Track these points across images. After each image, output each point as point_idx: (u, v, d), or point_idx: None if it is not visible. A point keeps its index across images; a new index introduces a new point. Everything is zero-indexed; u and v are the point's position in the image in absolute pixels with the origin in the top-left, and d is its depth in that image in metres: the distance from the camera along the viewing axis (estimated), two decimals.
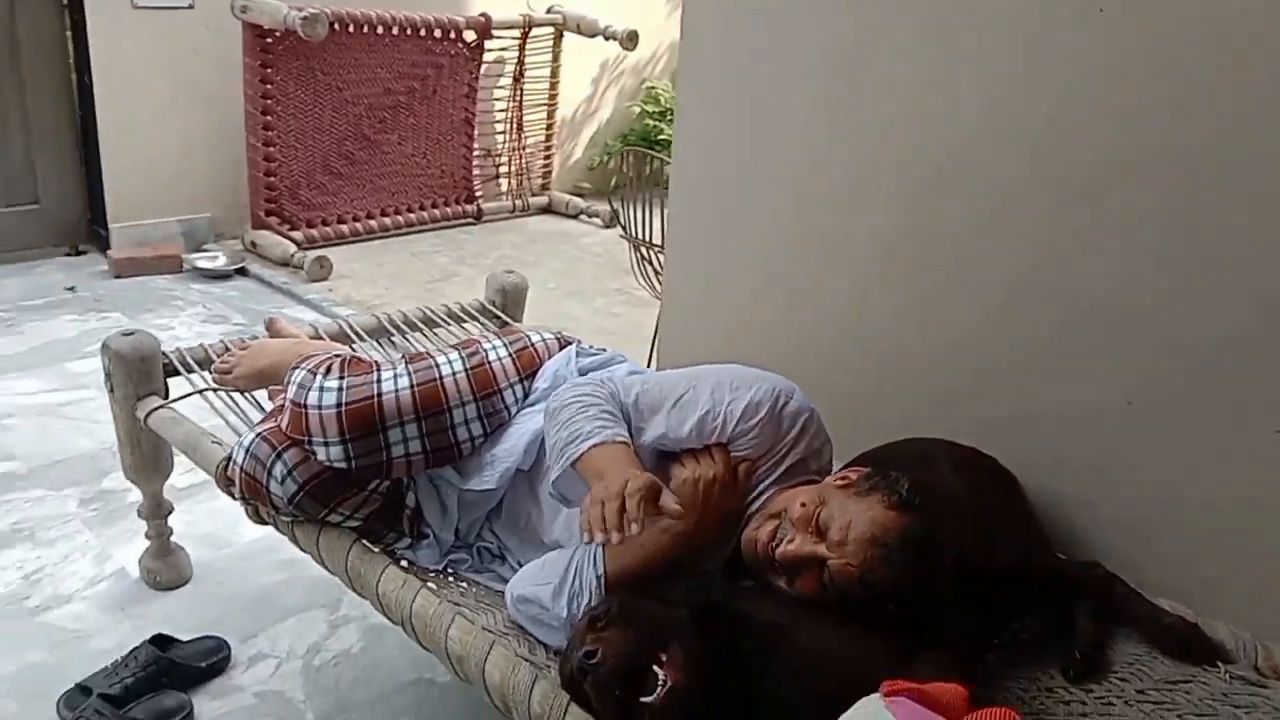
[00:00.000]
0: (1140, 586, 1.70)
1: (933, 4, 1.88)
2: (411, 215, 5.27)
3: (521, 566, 1.72)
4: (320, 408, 1.65)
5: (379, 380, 1.69)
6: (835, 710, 1.27)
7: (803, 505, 1.49)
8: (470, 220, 5.58)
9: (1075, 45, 1.73)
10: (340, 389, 1.66)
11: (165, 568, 2.34)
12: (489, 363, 1.80)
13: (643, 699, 1.28)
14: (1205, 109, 1.63)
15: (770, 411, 1.58)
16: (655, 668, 1.31)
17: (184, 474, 2.41)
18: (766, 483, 1.61)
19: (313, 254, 4.51)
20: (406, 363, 1.76)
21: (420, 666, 2.15)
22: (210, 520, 2.58)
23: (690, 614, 1.40)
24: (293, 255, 4.56)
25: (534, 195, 5.95)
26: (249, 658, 2.15)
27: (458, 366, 1.76)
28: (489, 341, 1.87)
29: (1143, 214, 1.72)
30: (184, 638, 2.13)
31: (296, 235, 4.72)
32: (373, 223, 5.10)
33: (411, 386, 1.69)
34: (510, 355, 1.84)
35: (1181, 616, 1.66)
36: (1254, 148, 1.59)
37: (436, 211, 5.39)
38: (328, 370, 1.71)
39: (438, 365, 1.75)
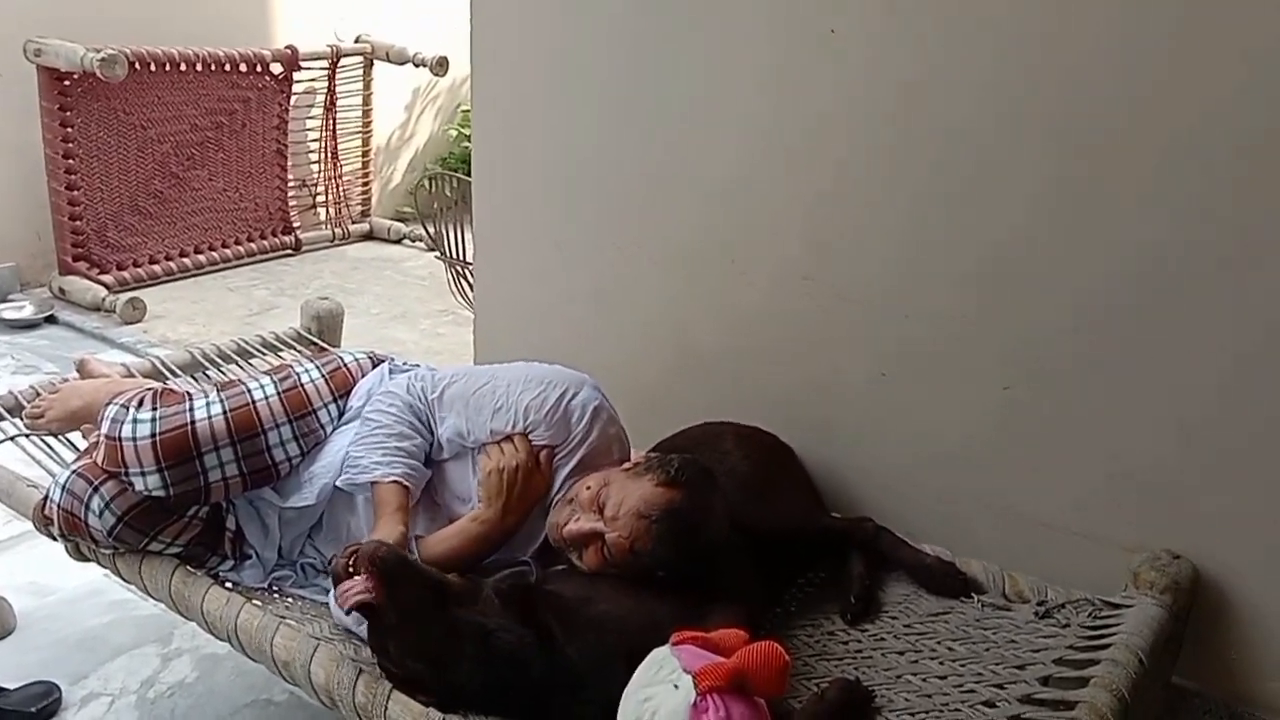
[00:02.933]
0: (906, 535, 1.94)
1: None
2: (227, 250, 5.20)
3: None
4: (135, 439, 1.70)
5: (191, 409, 1.76)
6: (636, 661, 1.43)
7: (588, 488, 1.67)
8: (289, 251, 5.54)
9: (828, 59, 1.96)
10: (154, 419, 1.72)
11: None
12: (301, 385, 1.89)
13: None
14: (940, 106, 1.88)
15: (558, 403, 1.75)
16: None
17: (2, 525, 2.39)
18: (565, 471, 1.77)
19: (125, 296, 4.42)
20: (218, 390, 1.83)
21: (256, 689, 2.20)
22: (32, 569, 2.55)
23: (492, 600, 1.52)
24: (104, 299, 4.45)
25: (354, 223, 5.94)
26: (81, 698, 2.16)
27: (270, 390, 1.85)
28: (300, 365, 1.95)
29: (878, 212, 1.96)
30: (11, 686, 2.12)
31: (107, 279, 4.60)
32: (186, 260, 5.01)
33: (225, 413, 1.77)
34: (323, 376, 1.93)
35: (939, 557, 1.89)
36: (969, 149, 1.85)
37: (253, 245, 5.34)
38: (140, 403, 1.76)
39: (249, 390, 1.83)
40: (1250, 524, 1.74)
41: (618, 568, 1.61)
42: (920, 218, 1.93)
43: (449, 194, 3.30)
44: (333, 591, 1.70)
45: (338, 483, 1.72)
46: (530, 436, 1.75)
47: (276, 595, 1.82)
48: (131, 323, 4.37)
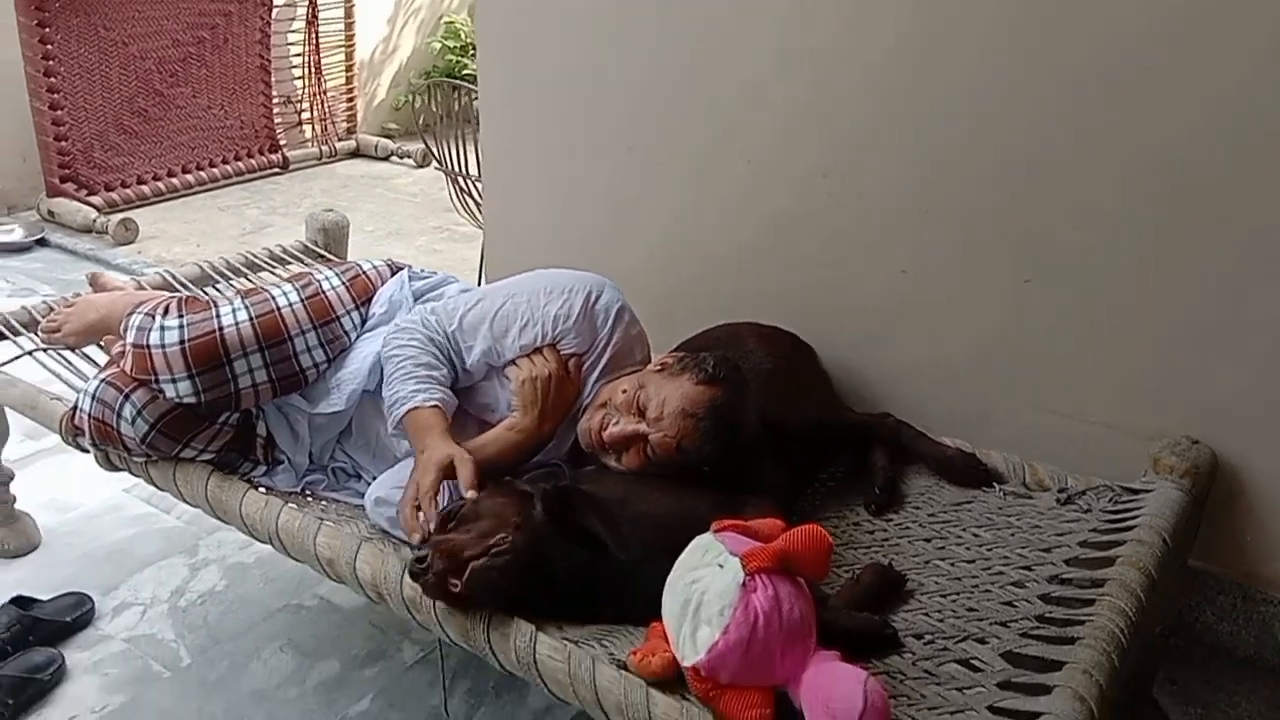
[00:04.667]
0: (926, 429, 1.96)
1: None
2: (215, 170, 5.13)
3: (376, 480, 1.84)
4: (164, 346, 1.70)
5: (218, 315, 1.75)
6: (677, 555, 1.45)
7: (624, 391, 1.67)
8: (277, 170, 5.47)
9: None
10: (181, 326, 1.72)
11: (12, 535, 2.33)
12: (323, 292, 1.88)
13: (473, 563, 1.40)
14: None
15: (584, 309, 1.75)
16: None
17: (16, 444, 2.39)
18: (594, 375, 1.78)
19: (116, 217, 4.37)
20: (242, 297, 1.82)
21: (285, 594, 2.23)
22: (52, 486, 2.56)
23: (538, 498, 1.54)
24: (95, 220, 4.40)
25: (340, 140, 5.87)
26: (113, 608, 2.18)
27: (293, 298, 1.84)
28: (321, 273, 1.95)
29: (898, 110, 1.95)
30: (44, 597, 2.15)
31: (96, 200, 4.54)
32: (175, 180, 4.94)
33: (251, 319, 1.76)
34: (344, 284, 1.92)
35: (960, 449, 1.92)
36: (995, 53, 1.83)
37: (240, 164, 5.27)
38: (165, 310, 1.76)
39: (273, 298, 1.82)
40: (1266, 409, 1.78)
41: (661, 467, 1.63)
42: (938, 114, 1.92)
43: (449, 104, 3.24)
44: (369, 494, 1.73)
45: (390, 431, 1.70)
46: (559, 345, 1.76)
47: (310, 498, 1.84)
48: (125, 244, 4.32)
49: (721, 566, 1.37)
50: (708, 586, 1.35)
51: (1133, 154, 1.76)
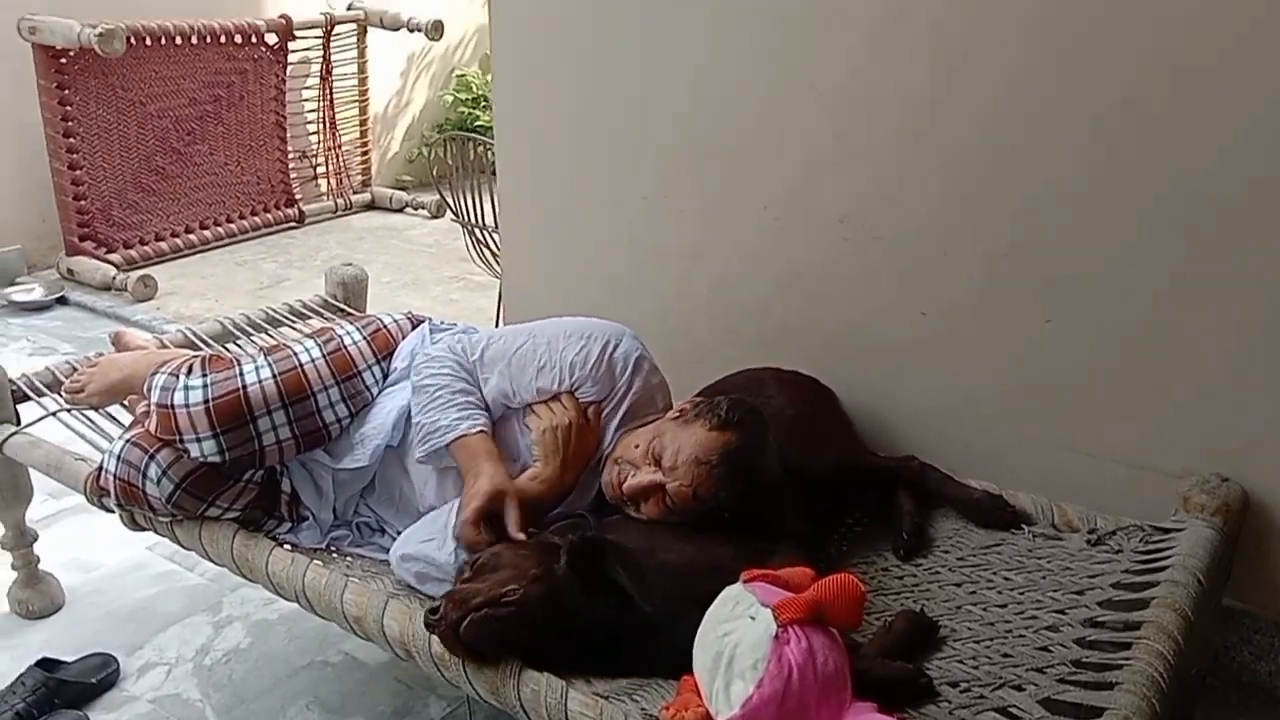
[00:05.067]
0: (951, 471, 1.95)
1: None
2: (232, 225, 5.18)
3: (401, 535, 1.83)
4: (188, 405, 1.71)
5: (242, 374, 1.76)
6: (705, 605, 1.44)
7: (639, 444, 1.68)
8: (293, 224, 5.51)
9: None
10: (205, 385, 1.73)
11: (36, 596, 2.32)
12: (345, 347, 1.89)
13: (474, 614, 1.39)
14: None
15: (600, 356, 1.76)
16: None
17: (39, 504, 2.39)
18: (614, 424, 1.78)
19: (135, 274, 4.40)
20: (265, 355, 1.83)
21: (310, 651, 2.22)
22: (74, 545, 2.55)
23: (564, 550, 1.53)
24: (114, 278, 4.44)
25: (355, 193, 5.91)
26: (138, 668, 2.17)
27: (315, 354, 1.85)
28: (342, 328, 1.96)
29: (916, 146, 1.96)
30: (69, 659, 2.14)
31: (115, 258, 4.58)
32: (192, 236, 4.99)
33: (274, 376, 1.77)
34: (365, 339, 1.93)
35: (987, 491, 1.91)
36: (1010, 96, 1.84)
37: (257, 219, 5.31)
38: (189, 370, 1.77)
39: (296, 354, 1.83)
40: None
41: (680, 515, 1.63)
42: (957, 155, 1.93)
43: (463, 156, 3.27)
44: (394, 550, 1.73)
45: (418, 456, 1.72)
46: (577, 393, 1.76)
47: (335, 554, 1.84)
48: (144, 300, 4.35)
49: (753, 618, 1.36)
50: (740, 639, 1.34)
51: (1153, 189, 1.76)
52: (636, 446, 1.68)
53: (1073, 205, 1.84)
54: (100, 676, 2.09)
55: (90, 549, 2.55)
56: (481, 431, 1.69)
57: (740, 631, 1.35)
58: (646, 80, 2.24)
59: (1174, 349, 1.82)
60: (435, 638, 1.48)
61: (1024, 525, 1.88)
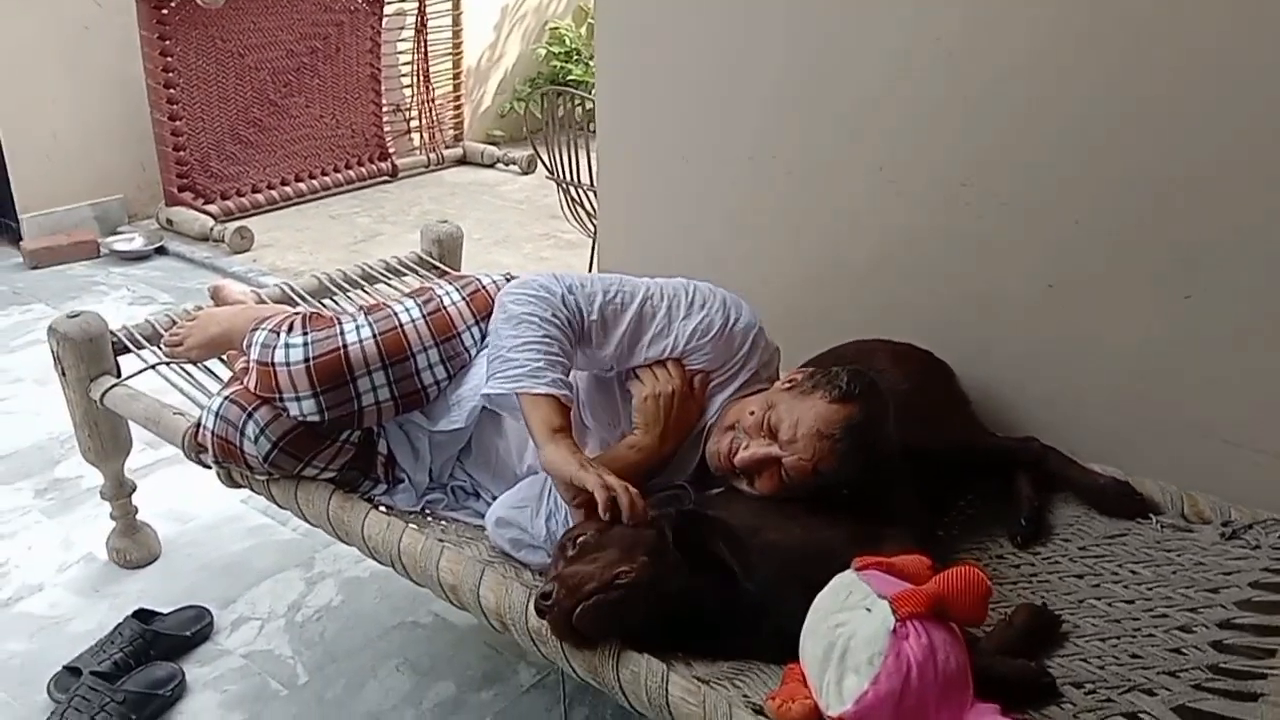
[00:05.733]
0: (1071, 454, 1.84)
1: None
2: (326, 178, 5.21)
3: (496, 499, 1.79)
4: (289, 364, 1.68)
5: (342, 333, 1.73)
6: (811, 590, 1.37)
7: (753, 413, 1.59)
8: (386, 178, 5.53)
9: None
10: (306, 344, 1.70)
11: (134, 546, 2.35)
12: (445, 308, 1.84)
13: (592, 597, 1.32)
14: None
15: (722, 329, 1.68)
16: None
17: (137, 454, 2.41)
18: (723, 395, 1.71)
19: (232, 226, 4.45)
20: (365, 314, 1.80)
21: (401, 611, 2.21)
22: (171, 496, 2.58)
23: (665, 528, 1.47)
24: (212, 229, 4.49)
25: (448, 147, 5.90)
26: (231, 622, 2.19)
27: (415, 314, 1.81)
28: (441, 288, 1.91)
29: (1048, 110, 1.82)
30: (164, 610, 2.16)
31: (212, 209, 4.64)
32: (288, 189, 5.03)
33: (374, 336, 1.73)
34: (464, 299, 1.88)
35: (1114, 477, 1.79)
36: (1146, 48, 1.70)
37: (351, 172, 5.33)
38: (290, 328, 1.74)
39: (396, 314, 1.79)
40: None
41: (796, 490, 1.55)
42: (1089, 114, 1.79)
43: (560, 111, 3.20)
44: (489, 514, 1.68)
45: (482, 390, 1.60)
46: (686, 361, 1.69)
47: (430, 518, 1.81)
48: (240, 252, 4.40)
49: (869, 610, 1.28)
50: (854, 631, 1.27)
51: None
52: (752, 413, 1.59)
53: (1218, 169, 1.69)
54: (195, 629, 2.11)
55: (186, 500, 2.58)
56: (564, 398, 1.55)
57: (855, 623, 1.27)
58: (752, 34, 2.14)
59: None
60: (532, 612, 1.44)
61: (1151, 515, 1.76)
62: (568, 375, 1.61)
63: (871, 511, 1.59)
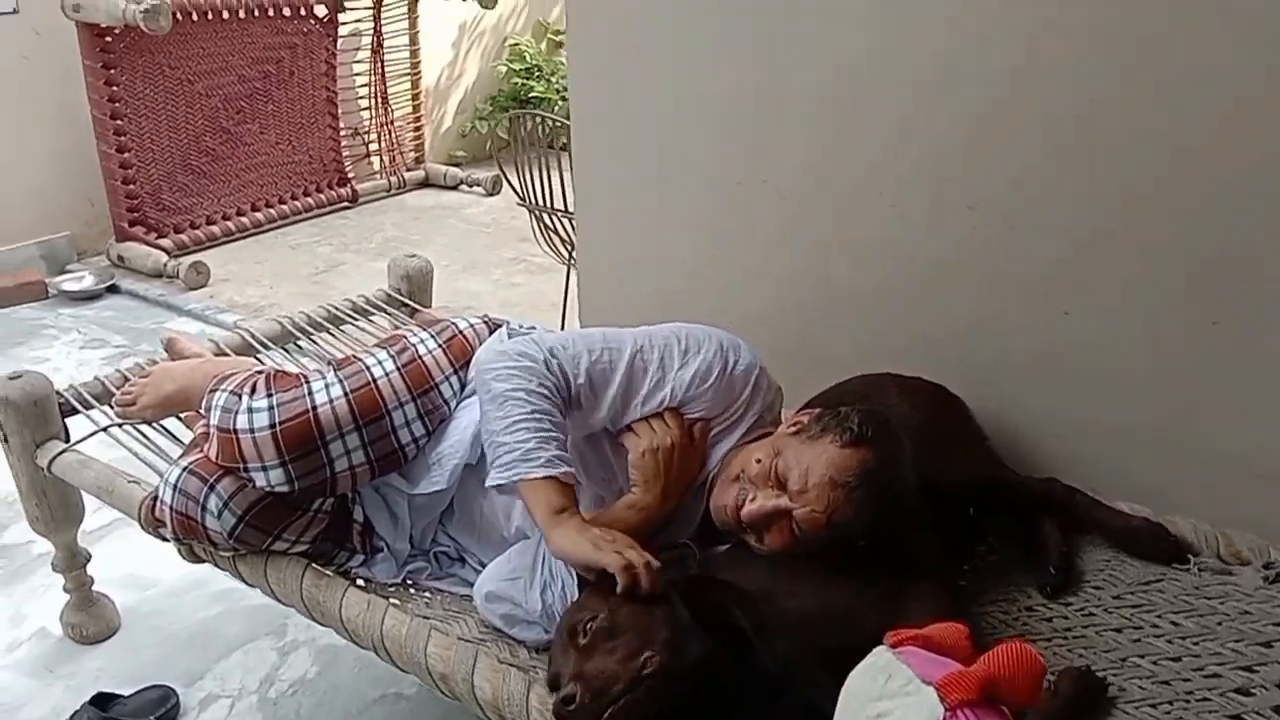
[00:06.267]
0: (1094, 493, 1.73)
1: None
2: (284, 206, 5.04)
3: (483, 565, 1.66)
4: (253, 430, 1.54)
5: (311, 393, 1.58)
6: (838, 665, 1.25)
7: (758, 461, 1.46)
8: (346, 204, 5.37)
9: None
10: (271, 407, 1.55)
11: (90, 620, 2.19)
12: (420, 358, 1.71)
13: (622, 698, 1.21)
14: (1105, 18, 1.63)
15: (721, 374, 1.56)
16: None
17: (92, 514, 2.24)
18: (726, 443, 1.58)
19: (186, 260, 4.28)
20: (334, 370, 1.65)
21: (383, 683, 2.06)
22: (129, 561, 2.41)
23: (675, 599, 1.34)
24: (165, 264, 4.31)
25: (409, 170, 5.75)
26: (199, 701, 2.03)
27: (389, 366, 1.67)
28: (415, 335, 1.77)
29: (1057, 125, 1.72)
30: (125, 692, 2.00)
31: (165, 243, 4.46)
32: (244, 219, 4.85)
33: (346, 394, 1.59)
34: (440, 346, 1.75)
35: (1146, 518, 1.68)
36: (1160, 61, 1.60)
37: (309, 199, 5.17)
38: (253, 389, 1.59)
39: (368, 368, 1.66)
40: None
41: (809, 545, 1.42)
42: (1103, 131, 1.68)
43: (527, 133, 3.07)
44: (478, 587, 1.55)
45: (490, 481, 1.45)
46: (685, 409, 1.55)
47: (413, 589, 1.67)
48: (196, 288, 4.23)
49: (912, 696, 1.16)
50: None
51: None
52: (758, 461, 1.46)
53: (1243, 186, 1.59)
54: (159, 713, 1.95)
55: (146, 564, 2.40)
56: (567, 477, 1.42)
57: (899, 714, 1.15)
58: (738, 53, 2.01)
59: None
60: (534, 703, 1.31)
61: (1188, 557, 1.65)
62: (565, 448, 1.46)
63: (890, 562, 1.47)
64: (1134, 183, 1.68)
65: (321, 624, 1.59)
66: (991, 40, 1.74)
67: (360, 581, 1.64)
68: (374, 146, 5.61)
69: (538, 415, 1.43)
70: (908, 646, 1.24)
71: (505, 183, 3.35)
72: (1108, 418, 1.81)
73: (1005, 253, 1.82)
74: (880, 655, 1.24)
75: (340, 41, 5.18)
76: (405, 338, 1.77)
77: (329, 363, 1.73)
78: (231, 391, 1.61)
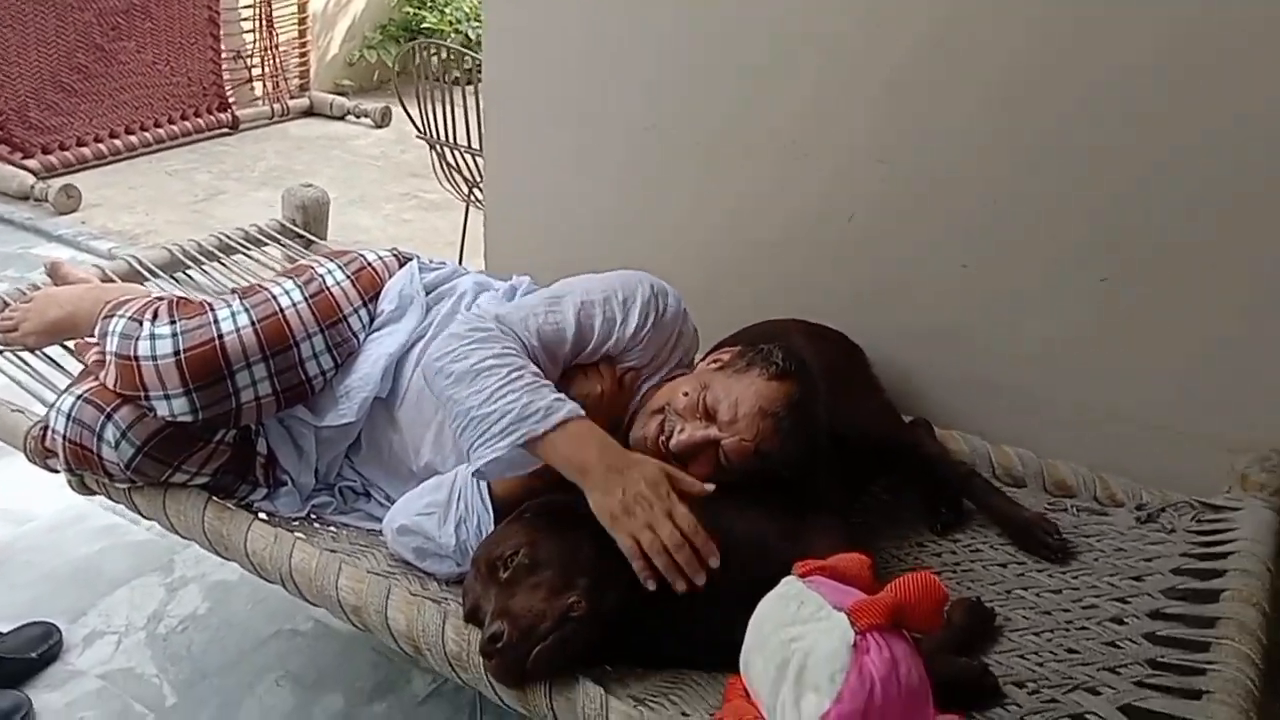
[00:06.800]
0: (985, 437, 1.81)
1: None
2: (160, 130, 4.80)
3: (390, 500, 1.65)
4: (155, 357, 1.48)
5: (216, 321, 1.53)
6: (746, 589, 1.29)
7: (686, 394, 1.49)
8: (226, 130, 5.15)
9: None
10: (175, 334, 1.50)
11: None
12: (328, 289, 1.67)
13: (551, 635, 1.23)
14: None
15: (655, 325, 1.57)
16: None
17: None
18: (649, 385, 1.60)
19: (56, 183, 4.04)
20: (240, 298, 1.60)
21: (278, 618, 2.03)
22: (4, 494, 2.30)
23: (596, 541, 1.35)
24: (33, 186, 4.07)
25: (293, 98, 5.54)
26: (83, 638, 1.96)
27: (296, 297, 1.63)
28: (322, 266, 1.73)
29: (963, 85, 1.77)
30: (4, 629, 1.92)
31: (32, 163, 4.21)
32: (118, 141, 4.61)
33: (253, 324, 1.55)
34: (349, 278, 1.71)
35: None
36: (1065, 16, 1.66)
37: (188, 124, 4.94)
38: (155, 315, 1.53)
39: (275, 297, 1.61)
40: None
41: (733, 474, 1.45)
42: (1010, 92, 1.74)
43: (436, 65, 2.99)
44: (388, 520, 1.54)
45: (481, 460, 1.35)
46: (619, 360, 1.57)
47: (317, 524, 1.65)
48: (66, 212, 4.01)
49: (824, 622, 1.20)
50: (812, 647, 1.18)
51: (1227, 140, 1.60)
52: (686, 394, 1.48)
53: (1136, 156, 1.67)
54: (41, 650, 1.88)
55: (24, 497, 2.30)
56: (584, 416, 1.37)
57: (811, 638, 1.19)
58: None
59: (1235, 314, 1.69)
60: (449, 634, 1.31)
61: (1066, 499, 1.75)
62: (557, 390, 1.40)
63: (797, 497, 1.52)
64: (1035, 146, 1.74)
65: (225, 558, 1.56)
66: (906, 1, 1.77)
67: (263, 515, 1.60)
68: (257, 71, 5.38)
69: (515, 373, 1.37)
70: (816, 576, 1.29)
71: (401, 114, 3.24)
72: (999, 367, 1.89)
73: (910, 207, 1.88)
74: (791, 584, 1.28)
75: None
76: (312, 268, 1.72)
77: (234, 291, 1.67)
78: (131, 318, 1.55)
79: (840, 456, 1.67)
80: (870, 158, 1.87)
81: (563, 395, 1.39)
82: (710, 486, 1.35)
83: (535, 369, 1.41)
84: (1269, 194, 1.60)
